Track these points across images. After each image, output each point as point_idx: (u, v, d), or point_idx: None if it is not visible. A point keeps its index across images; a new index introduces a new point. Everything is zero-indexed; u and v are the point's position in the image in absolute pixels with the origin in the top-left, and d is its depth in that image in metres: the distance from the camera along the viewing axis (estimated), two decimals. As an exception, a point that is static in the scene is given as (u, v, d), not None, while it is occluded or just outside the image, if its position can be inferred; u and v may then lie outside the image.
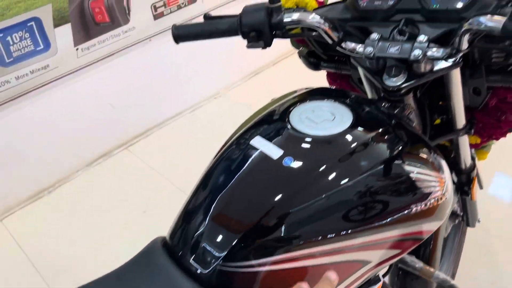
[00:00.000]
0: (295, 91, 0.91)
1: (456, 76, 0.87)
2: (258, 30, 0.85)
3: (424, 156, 0.78)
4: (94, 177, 2.25)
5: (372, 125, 0.77)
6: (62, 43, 1.97)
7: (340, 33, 0.87)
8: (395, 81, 0.80)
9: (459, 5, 0.81)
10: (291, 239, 0.66)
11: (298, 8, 0.90)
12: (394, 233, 0.73)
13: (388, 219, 0.70)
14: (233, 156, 0.76)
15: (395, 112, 0.86)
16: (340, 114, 0.78)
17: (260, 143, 0.74)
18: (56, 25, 1.92)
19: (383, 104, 0.87)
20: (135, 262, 0.72)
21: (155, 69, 2.37)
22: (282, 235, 0.65)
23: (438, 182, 0.77)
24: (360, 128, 0.75)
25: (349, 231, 0.68)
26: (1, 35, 1.79)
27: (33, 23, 1.86)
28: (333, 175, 0.69)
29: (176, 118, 2.57)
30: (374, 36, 0.83)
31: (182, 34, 0.90)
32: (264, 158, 0.71)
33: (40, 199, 2.14)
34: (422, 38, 0.79)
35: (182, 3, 2.31)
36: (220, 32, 0.88)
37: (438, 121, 1.04)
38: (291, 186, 0.68)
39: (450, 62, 0.79)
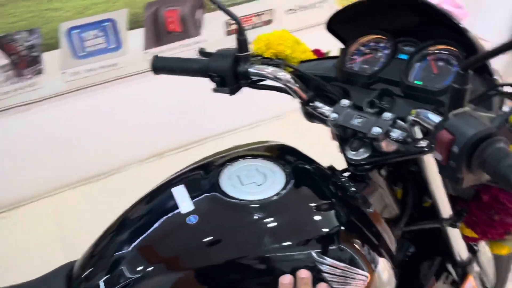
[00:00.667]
0: (258, 142, 0.86)
1: (428, 162, 0.76)
2: (222, 76, 0.82)
3: (353, 247, 0.69)
4: (144, 172, 2.36)
5: (302, 198, 0.70)
6: (132, 45, 2.10)
7: (310, 93, 0.81)
8: (354, 155, 0.73)
9: (438, 86, 0.70)
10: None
11: (274, 60, 0.85)
12: None
13: None
14: (152, 200, 0.74)
15: (351, 188, 0.77)
16: (272, 180, 0.72)
17: (179, 193, 0.71)
18: (130, 28, 2.05)
19: (341, 177, 0.79)
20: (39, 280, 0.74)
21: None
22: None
23: (355, 279, 0.67)
24: (284, 200, 0.69)
25: None
26: (78, 30, 1.96)
27: (109, 23, 2.01)
28: (225, 246, 0.64)
29: (234, 132, 2.59)
30: (344, 102, 0.76)
31: (159, 66, 0.90)
32: (173, 209, 0.69)
33: (90, 184, 2.29)
34: (388, 115, 0.70)
35: (257, 24, 2.33)
36: (191, 71, 0.86)
37: (428, 203, 0.91)
38: (180, 244, 0.65)
39: (415, 146, 0.69)
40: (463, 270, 1.01)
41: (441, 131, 0.52)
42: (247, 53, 0.81)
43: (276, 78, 0.80)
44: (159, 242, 0.67)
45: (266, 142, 0.87)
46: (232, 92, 0.84)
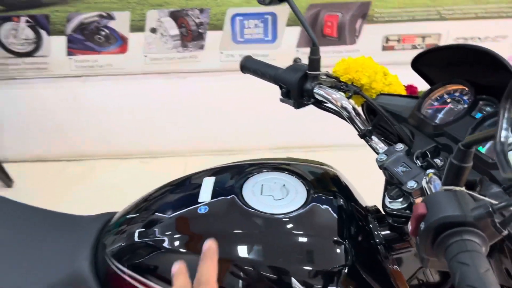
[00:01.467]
0: (312, 161, 0.86)
1: None
2: (288, 88, 0.83)
3: None
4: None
5: (308, 226, 0.69)
6: (286, 41, 2.19)
7: (367, 129, 0.77)
8: (390, 203, 0.69)
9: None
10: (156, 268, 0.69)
11: (349, 85, 0.82)
12: None
13: None
14: (190, 180, 0.81)
15: (378, 235, 0.73)
16: (291, 199, 0.72)
17: (207, 183, 0.77)
18: (288, 24, 2.15)
19: (374, 221, 0.75)
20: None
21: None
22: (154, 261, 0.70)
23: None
24: (287, 222, 0.69)
25: None
26: (241, 17, 2.13)
27: (269, 16, 2.13)
28: (227, 242, 0.67)
29: (335, 149, 2.43)
30: (399, 146, 0.72)
31: (247, 65, 0.95)
32: (193, 196, 0.75)
33: (217, 156, 2.49)
34: (431, 171, 0.64)
35: (419, 45, 2.20)
36: (267, 77, 0.90)
37: None
38: (186, 227, 0.71)
39: None
40: None
41: (419, 203, 0.46)
42: (317, 72, 0.81)
43: (337, 105, 0.79)
44: (176, 219, 0.73)
45: (321, 164, 0.86)
46: (297, 106, 0.85)
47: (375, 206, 0.80)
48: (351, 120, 0.78)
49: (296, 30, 2.17)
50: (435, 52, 0.75)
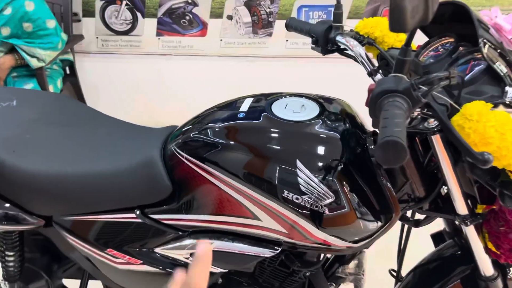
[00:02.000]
0: (332, 98, 1.09)
1: (438, 148, 0.86)
2: (316, 38, 1.08)
3: (340, 184, 0.88)
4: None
5: (316, 130, 0.92)
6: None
7: (373, 68, 1.00)
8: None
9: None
10: (211, 158, 0.95)
11: (366, 38, 1.05)
12: (280, 209, 0.90)
13: (278, 195, 0.89)
14: (237, 100, 1.07)
15: (370, 147, 0.95)
16: (305, 114, 0.96)
17: (247, 101, 1.03)
18: (348, 17, 2.37)
19: (369, 138, 0.97)
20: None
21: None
22: (208, 150, 0.96)
23: (323, 200, 0.87)
24: (300, 126, 0.93)
25: (246, 179, 0.90)
26: (307, 8, 2.39)
27: (332, 9, 2.36)
28: (247, 136, 0.94)
29: None
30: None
31: (290, 24, 1.21)
32: (236, 108, 1.02)
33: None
34: None
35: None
36: (304, 31, 1.15)
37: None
38: (225, 123, 0.97)
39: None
40: (485, 285, 1.02)
41: (371, 83, 0.69)
42: (339, 24, 1.05)
43: (353, 50, 1.01)
44: (222, 121, 0.99)
45: (339, 99, 1.08)
46: (323, 52, 1.09)
47: (375, 130, 1.01)
48: (362, 63, 1.01)
49: (355, 22, 2.38)
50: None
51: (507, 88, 0.78)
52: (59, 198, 1.05)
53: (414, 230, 1.14)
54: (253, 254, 0.99)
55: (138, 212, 1.04)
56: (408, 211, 1.05)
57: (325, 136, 0.91)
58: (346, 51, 1.08)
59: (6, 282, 1.28)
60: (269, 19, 2.44)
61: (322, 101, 1.00)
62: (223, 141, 0.95)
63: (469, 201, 0.92)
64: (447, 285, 1.08)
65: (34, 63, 2.04)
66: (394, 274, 1.22)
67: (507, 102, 0.77)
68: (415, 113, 0.75)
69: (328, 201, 0.87)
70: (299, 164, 0.88)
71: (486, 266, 0.99)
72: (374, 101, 0.68)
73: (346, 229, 0.91)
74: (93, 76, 2.69)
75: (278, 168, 0.89)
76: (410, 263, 1.18)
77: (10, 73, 2.07)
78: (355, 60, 1.06)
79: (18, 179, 1.02)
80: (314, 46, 1.11)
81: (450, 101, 0.72)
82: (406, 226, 1.16)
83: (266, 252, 0.98)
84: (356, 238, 0.93)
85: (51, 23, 2.09)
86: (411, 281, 1.15)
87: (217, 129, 0.97)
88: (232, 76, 2.66)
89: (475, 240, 0.96)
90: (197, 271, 0.51)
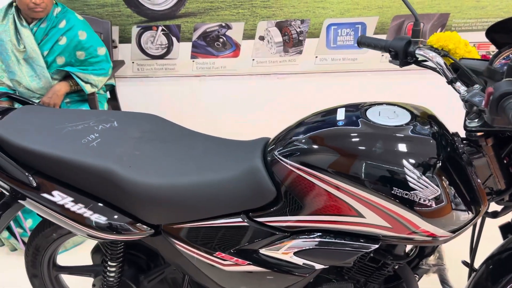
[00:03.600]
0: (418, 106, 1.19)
1: (490, 155, 0.98)
2: (396, 52, 1.21)
3: (440, 179, 1.00)
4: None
5: (411, 133, 1.03)
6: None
7: (452, 76, 1.12)
8: (468, 123, 1.03)
9: None
10: (317, 163, 1.06)
11: (440, 50, 1.18)
12: (388, 205, 1.01)
13: (383, 191, 1.00)
14: (328, 112, 1.18)
15: (459, 146, 1.06)
16: (399, 119, 1.07)
17: (341, 111, 1.14)
18: (375, 33, 2.52)
19: (456, 138, 1.08)
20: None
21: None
22: (314, 155, 1.07)
23: (427, 192, 0.99)
24: (396, 130, 1.04)
25: (353, 180, 1.01)
26: (336, 26, 2.54)
27: (359, 26, 2.52)
28: (352, 142, 1.05)
29: None
30: (476, 86, 1.05)
31: (362, 41, 1.33)
32: (333, 116, 1.13)
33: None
34: None
35: (493, 51, 2.47)
36: (379, 47, 1.27)
37: None
38: (326, 130, 1.09)
39: None
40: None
41: (489, 87, 0.81)
42: (418, 39, 1.18)
43: (433, 61, 1.14)
44: (321, 133, 1.10)
45: (423, 107, 1.19)
46: (402, 65, 1.21)
47: (456, 132, 1.13)
48: (442, 72, 1.13)
49: (382, 38, 2.54)
50: (504, 23, 1.09)
51: None
52: (170, 207, 1.15)
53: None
54: (353, 250, 1.10)
55: (243, 216, 1.14)
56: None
57: (423, 137, 1.03)
58: (423, 63, 1.21)
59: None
60: (300, 38, 2.59)
61: (410, 108, 1.12)
62: (327, 146, 1.06)
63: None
64: None
65: (88, 88, 2.15)
66: (467, 266, 1.32)
67: None
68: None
69: (434, 195, 0.99)
70: (405, 163, 0.99)
71: None
72: (496, 102, 0.80)
73: (445, 220, 1.02)
74: (131, 98, 2.80)
75: (386, 168, 1.00)
76: (479, 255, 1.28)
77: (64, 99, 2.18)
78: (433, 70, 1.19)
79: (135, 191, 1.12)
80: (392, 60, 1.23)
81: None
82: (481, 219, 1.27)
83: (366, 247, 1.09)
84: (453, 228, 1.04)
85: (102, 51, 2.21)
86: (485, 271, 1.25)
87: (318, 136, 1.09)
88: (264, 93, 2.78)
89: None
90: None
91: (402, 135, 1.03)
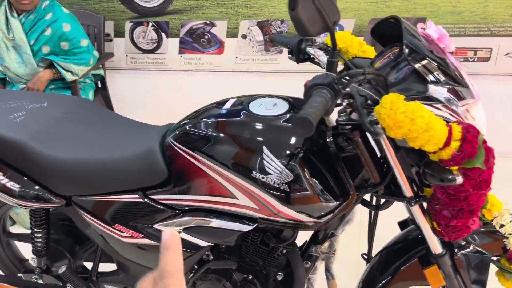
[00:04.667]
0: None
1: (382, 142, 1.04)
2: (291, 49, 1.28)
3: (301, 168, 1.07)
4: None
5: (285, 124, 1.11)
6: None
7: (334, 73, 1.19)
8: (338, 117, 1.10)
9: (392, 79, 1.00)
10: (198, 147, 1.16)
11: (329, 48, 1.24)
12: (252, 188, 1.09)
13: (249, 173, 1.08)
14: (222, 101, 1.27)
15: (327, 139, 1.13)
16: (276, 110, 1.15)
17: (230, 101, 1.24)
18: (353, 35, 2.56)
19: (328, 131, 1.15)
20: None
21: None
22: (195, 140, 1.17)
23: (288, 177, 1.06)
24: (271, 119, 1.12)
25: (225, 164, 1.10)
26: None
27: (337, 28, 2.56)
28: (230, 125, 1.13)
29: None
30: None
31: (274, 39, 1.41)
32: (221, 106, 1.22)
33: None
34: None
35: (471, 58, 2.45)
36: (283, 44, 1.35)
37: None
38: (210, 119, 1.18)
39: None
40: (435, 261, 1.16)
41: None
42: (309, 37, 1.24)
43: (318, 59, 1.21)
44: (203, 121, 1.19)
45: None
46: (297, 61, 1.28)
47: (334, 125, 1.18)
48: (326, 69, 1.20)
49: (360, 40, 2.57)
50: (386, 22, 1.14)
51: (428, 85, 0.95)
52: (77, 181, 1.28)
53: (385, 220, 1.30)
54: (233, 229, 1.18)
55: (140, 193, 1.25)
56: (369, 197, 1.22)
57: (288, 127, 1.10)
58: (315, 60, 1.28)
59: (35, 257, 1.52)
60: (280, 37, 2.66)
61: (292, 100, 1.19)
62: (207, 133, 1.16)
63: (413, 185, 1.08)
64: (407, 263, 1.24)
65: (68, 76, 2.33)
66: (365, 259, 1.37)
67: (428, 96, 0.94)
68: (344, 102, 0.93)
69: (288, 179, 1.06)
70: (264, 149, 1.07)
71: (434, 245, 1.13)
72: (307, 92, 0.87)
73: (308, 206, 1.09)
74: (123, 89, 2.98)
75: (248, 153, 1.08)
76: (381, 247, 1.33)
77: (48, 85, 2.37)
78: (321, 67, 1.25)
79: (45, 164, 1.26)
80: (289, 55, 1.30)
81: (370, 93, 0.90)
82: (373, 214, 1.32)
83: (244, 228, 1.17)
84: (319, 214, 1.10)
85: (84, 42, 2.38)
86: (377, 261, 1.31)
87: (202, 123, 1.18)
88: (246, 90, 2.87)
89: (421, 220, 1.11)
90: (168, 259, 0.50)
91: (268, 124, 1.11)
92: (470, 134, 0.88)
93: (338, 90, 0.85)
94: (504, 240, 1.14)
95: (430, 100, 0.95)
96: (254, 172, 1.08)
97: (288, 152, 1.08)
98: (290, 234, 1.26)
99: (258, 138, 1.09)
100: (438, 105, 0.94)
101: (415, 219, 1.12)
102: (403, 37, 1.00)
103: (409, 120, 0.86)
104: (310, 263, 1.34)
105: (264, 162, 1.07)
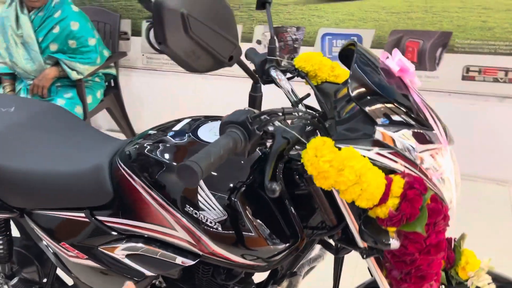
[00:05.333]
0: None
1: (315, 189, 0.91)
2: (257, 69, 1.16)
3: (242, 205, 0.96)
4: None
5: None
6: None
7: (294, 100, 1.07)
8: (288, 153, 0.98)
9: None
10: (139, 172, 1.08)
11: (299, 71, 1.11)
12: (186, 222, 0.99)
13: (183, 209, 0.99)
14: (176, 122, 1.18)
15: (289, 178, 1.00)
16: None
17: (182, 123, 1.14)
18: (371, 46, 2.38)
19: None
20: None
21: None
22: (138, 164, 1.09)
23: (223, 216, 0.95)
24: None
25: (162, 193, 1.01)
26: (331, 37, 2.44)
27: (355, 38, 2.40)
28: (172, 151, 1.04)
29: None
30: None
31: (247, 54, 1.30)
32: (172, 127, 1.13)
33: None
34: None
35: (501, 78, 2.21)
36: (251, 61, 1.23)
37: None
38: (155, 141, 1.09)
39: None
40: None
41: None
42: (273, 58, 1.12)
43: (279, 83, 1.09)
44: (148, 143, 1.10)
45: None
46: (263, 83, 1.16)
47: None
48: (286, 95, 1.08)
49: (378, 52, 2.39)
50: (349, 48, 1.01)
51: (376, 127, 0.81)
52: (27, 193, 1.23)
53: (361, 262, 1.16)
54: (175, 262, 1.09)
55: (87, 212, 1.18)
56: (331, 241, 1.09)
57: (231, 160, 0.99)
58: (278, 82, 1.15)
59: None
60: (295, 45, 2.53)
61: None
62: (149, 157, 1.07)
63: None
64: None
65: (73, 75, 2.32)
66: None
67: (376, 140, 0.80)
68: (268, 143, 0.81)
69: (221, 219, 0.95)
70: (201, 182, 0.97)
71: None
72: (220, 130, 0.76)
73: (247, 248, 0.98)
74: (138, 88, 2.95)
75: (183, 185, 0.98)
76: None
77: (55, 83, 2.37)
78: (283, 91, 1.13)
79: (-3, 174, 1.22)
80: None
81: (296, 135, 0.77)
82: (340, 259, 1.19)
83: (186, 261, 1.07)
84: (261, 256, 0.99)
85: (92, 41, 2.36)
86: None
87: (147, 145, 1.09)
88: (264, 97, 2.76)
89: (376, 274, 0.97)
90: None
91: None
92: (413, 191, 0.73)
93: (252, 130, 0.74)
94: None
95: (379, 145, 0.81)
96: (187, 206, 0.98)
97: (226, 187, 0.97)
98: (239, 272, 1.15)
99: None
100: (384, 152, 0.79)
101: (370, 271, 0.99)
102: (350, 73, 0.85)
103: (335, 171, 0.72)
104: None
105: (199, 196, 0.96)
